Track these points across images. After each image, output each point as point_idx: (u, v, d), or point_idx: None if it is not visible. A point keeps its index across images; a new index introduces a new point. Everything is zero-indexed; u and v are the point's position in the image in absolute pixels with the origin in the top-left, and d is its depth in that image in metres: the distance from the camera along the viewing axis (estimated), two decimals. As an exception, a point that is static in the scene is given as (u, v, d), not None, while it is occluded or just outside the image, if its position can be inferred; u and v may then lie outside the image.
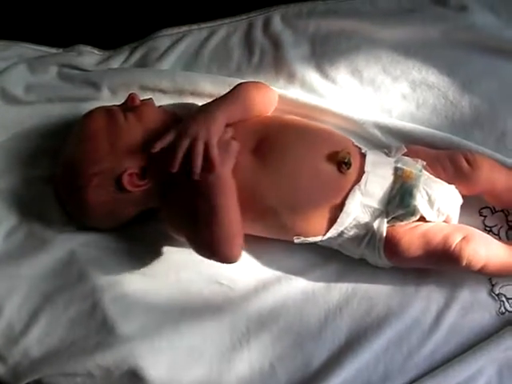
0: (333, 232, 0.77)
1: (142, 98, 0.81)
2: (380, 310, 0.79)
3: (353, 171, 0.77)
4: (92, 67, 0.91)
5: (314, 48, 0.90)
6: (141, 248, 0.82)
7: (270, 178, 0.75)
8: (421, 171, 0.78)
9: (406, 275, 0.80)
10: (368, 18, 0.89)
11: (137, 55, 0.92)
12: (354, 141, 0.81)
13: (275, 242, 0.81)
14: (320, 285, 0.81)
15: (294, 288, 0.80)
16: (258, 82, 0.81)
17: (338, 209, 0.76)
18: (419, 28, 0.89)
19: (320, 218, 0.77)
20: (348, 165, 0.76)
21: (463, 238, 0.75)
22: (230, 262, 0.75)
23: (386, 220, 0.76)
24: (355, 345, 0.77)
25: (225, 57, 0.91)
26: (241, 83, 0.80)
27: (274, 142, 0.77)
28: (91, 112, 0.81)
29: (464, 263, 0.74)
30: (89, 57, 0.91)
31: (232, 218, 0.72)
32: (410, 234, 0.76)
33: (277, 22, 0.92)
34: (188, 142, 0.72)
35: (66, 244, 0.82)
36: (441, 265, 0.78)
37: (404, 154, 0.81)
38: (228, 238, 0.73)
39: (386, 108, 0.87)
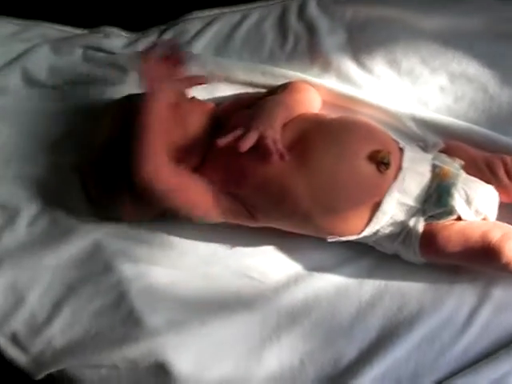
0: (368, 231, 0.75)
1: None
2: (412, 307, 0.77)
3: (391, 170, 0.74)
4: (119, 50, 0.87)
5: (350, 36, 0.87)
6: (168, 240, 0.80)
7: (306, 177, 0.73)
8: (459, 170, 0.76)
9: (440, 272, 0.78)
10: (408, 6, 0.86)
11: (165, 38, 0.89)
12: (391, 134, 0.79)
13: (307, 237, 0.79)
14: (352, 280, 0.79)
15: (326, 283, 0.79)
16: (307, 85, 0.79)
17: (375, 208, 0.74)
18: (461, 18, 0.85)
19: (356, 217, 0.75)
20: (387, 165, 0.74)
21: (503, 235, 0.73)
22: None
23: (422, 218, 0.74)
24: (387, 341, 0.75)
25: (257, 42, 0.88)
26: (292, 83, 0.78)
27: (311, 140, 0.74)
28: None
29: (504, 260, 0.72)
30: (116, 39, 0.88)
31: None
32: (447, 231, 0.74)
33: (313, 7, 0.88)
34: (257, 136, 0.70)
35: (91, 234, 0.80)
36: (479, 262, 0.76)
37: (441, 151, 0.78)
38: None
39: (422, 100, 0.84)
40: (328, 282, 0.79)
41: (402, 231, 0.75)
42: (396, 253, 0.78)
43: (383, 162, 0.73)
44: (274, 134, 0.72)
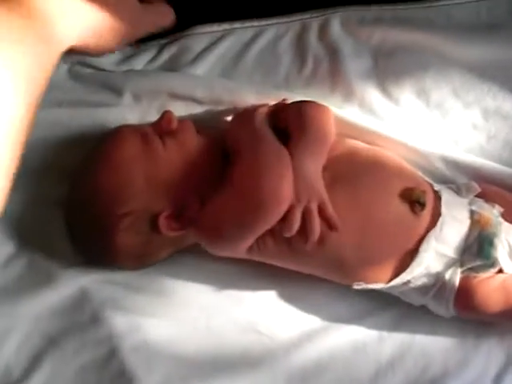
0: (398, 281, 0.67)
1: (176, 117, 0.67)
2: (437, 369, 0.70)
3: (427, 212, 0.67)
4: (111, 67, 0.75)
5: (376, 62, 0.77)
6: (166, 287, 0.71)
7: (340, 218, 0.64)
8: (498, 217, 0.69)
9: (466, 325, 0.71)
10: (442, 32, 0.76)
11: (165, 55, 0.77)
12: (421, 174, 0.72)
13: (321, 286, 0.71)
14: (371, 335, 0.71)
15: (342, 338, 0.71)
16: (323, 106, 0.68)
17: (409, 255, 0.66)
18: (499, 47, 0.77)
19: (387, 263, 0.67)
20: (422, 205, 0.66)
21: None
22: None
23: (459, 270, 0.67)
24: (409, 407, 0.68)
25: (271, 64, 0.77)
26: (310, 108, 0.67)
27: (342, 177, 0.66)
28: (121, 133, 0.67)
29: None
30: (108, 54, 0.76)
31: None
32: (486, 286, 0.67)
33: (336, 27, 0.77)
34: (301, 210, 0.61)
35: (77, 280, 0.69)
36: None
37: (476, 195, 0.71)
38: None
39: (452, 138, 0.76)
40: (344, 339, 0.71)
41: (436, 284, 0.67)
42: (424, 305, 0.71)
43: (418, 202, 0.66)
44: (320, 199, 0.62)
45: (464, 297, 0.67)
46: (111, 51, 0.60)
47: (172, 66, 0.77)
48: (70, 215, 0.69)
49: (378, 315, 0.72)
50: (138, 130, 0.66)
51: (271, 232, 0.64)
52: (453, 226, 0.67)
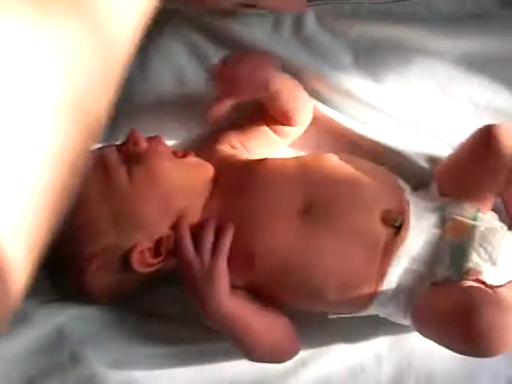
0: (374, 304, 0.62)
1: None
2: (441, 390, 0.67)
3: (403, 231, 0.61)
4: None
5: (356, 58, 0.71)
6: (149, 319, 0.67)
7: (319, 248, 0.60)
8: (475, 219, 0.62)
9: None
10: (424, 25, 0.71)
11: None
12: (400, 179, 0.66)
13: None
14: (368, 357, 0.67)
15: (338, 363, 0.67)
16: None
17: (382, 277, 0.60)
18: (489, 39, 0.71)
19: (362, 290, 0.61)
20: (399, 227, 0.61)
21: None
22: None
23: (429, 284, 0.60)
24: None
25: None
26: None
27: (322, 203, 0.61)
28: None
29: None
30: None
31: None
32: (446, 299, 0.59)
33: (310, 22, 0.71)
34: None
35: (53, 317, 0.65)
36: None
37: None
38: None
39: (439, 135, 0.71)
40: (340, 363, 0.67)
41: (409, 300, 0.61)
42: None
43: (395, 225, 0.61)
44: None
45: (419, 310, 0.60)
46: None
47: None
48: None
49: (374, 336, 0.68)
50: (103, 161, 0.60)
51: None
52: (421, 239, 0.61)
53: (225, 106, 0.63)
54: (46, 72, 0.27)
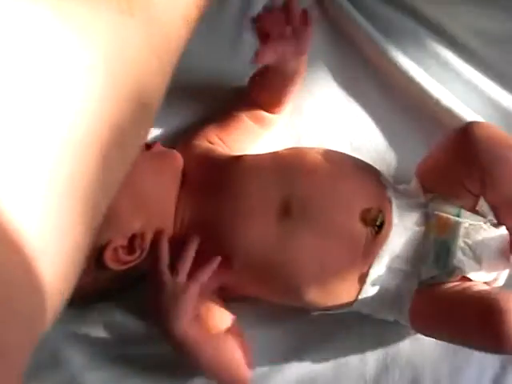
0: (356, 304, 0.61)
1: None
2: (427, 381, 0.65)
3: (384, 230, 0.60)
4: None
5: None
6: (131, 316, 0.65)
7: (297, 248, 0.58)
8: (459, 215, 0.61)
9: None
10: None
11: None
12: (382, 175, 0.64)
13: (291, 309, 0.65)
14: (354, 351, 0.66)
15: (322, 360, 0.66)
16: None
17: (363, 277, 0.59)
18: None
19: (344, 289, 0.60)
20: (380, 226, 0.59)
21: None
22: None
23: (416, 282, 0.60)
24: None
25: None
26: None
27: (301, 202, 0.59)
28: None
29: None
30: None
31: None
32: (440, 300, 0.59)
33: None
34: None
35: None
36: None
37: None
38: None
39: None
40: (325, 359, 0.66)
41: (396, 300, 0.61)
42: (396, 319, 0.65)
43: (375, 225, 0.59)
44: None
45: (417, 311, 0.60)
46: None
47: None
48: None
49: (359, 329, 0.67)
50: None
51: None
52: (404, 237, 0.60)
53: (271, 51, 0.58)
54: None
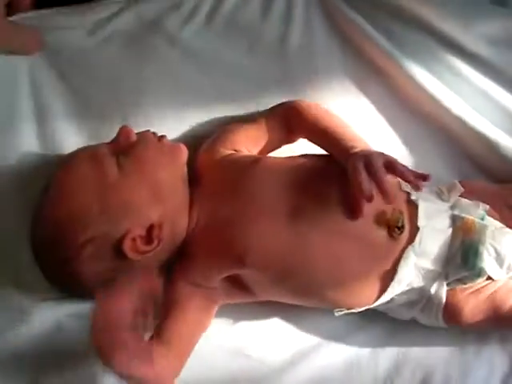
0: (381, 301, 0.63)
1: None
2: (438, 379, 0.66)
3: (405, 231, 0.62)
4: None
5: None
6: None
7: (310, 249, 0.60)
8: (483, 219, 0.64)
9: (465, 333, 0.68)
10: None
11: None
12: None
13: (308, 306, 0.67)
14: (365, 351, 0.68)
15: (335, 356, 0.68)
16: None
17: (389, 276, 0.62)
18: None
19: (367, 289, 0.63)
20: (402, 229, 0.61)
21: None
22: None
23: (445, 283, 0.63)
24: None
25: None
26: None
27: (314, 203, 0.61)
28: (73, 159, 0.63)
29: None
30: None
31: None
32: (475, 299, 0.64)
33: None
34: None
35: (50, 314, 0.64)
36: None
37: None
38: None
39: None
40: (337, 356, 0.68)
41: (422, 299, 0.64)
42: (413, 319, 0.67)
43: (397, 226, 0.61)
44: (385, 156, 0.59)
45: (452, 310, 0.64)
46: None
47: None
48: (34, 250, 0.65)
49: (370, 329, 0.69)
50: (93, 153, 0.62)
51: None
52: (433, 238, 0.63)
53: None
54: None
